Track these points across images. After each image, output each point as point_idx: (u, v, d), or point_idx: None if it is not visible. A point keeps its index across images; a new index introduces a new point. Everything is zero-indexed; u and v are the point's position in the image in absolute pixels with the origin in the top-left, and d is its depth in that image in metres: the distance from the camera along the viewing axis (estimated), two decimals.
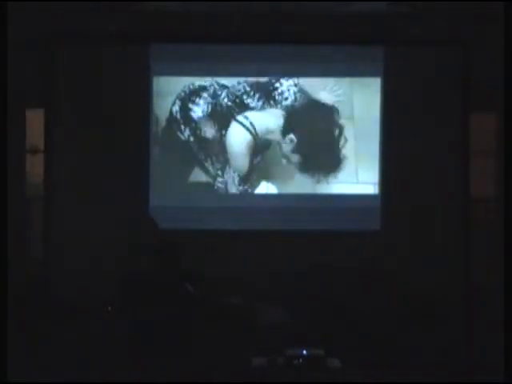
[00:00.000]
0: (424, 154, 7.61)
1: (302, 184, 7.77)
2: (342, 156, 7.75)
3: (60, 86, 7.63)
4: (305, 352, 5.33)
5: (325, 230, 7.63)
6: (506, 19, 5.00)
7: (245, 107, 7.76)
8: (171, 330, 5.40)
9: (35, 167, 7.73)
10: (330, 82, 7.74)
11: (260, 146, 7.77)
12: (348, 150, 7.75)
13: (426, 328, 6.43)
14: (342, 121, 7.74)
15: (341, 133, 7.75)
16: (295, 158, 7.75)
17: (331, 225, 7.66)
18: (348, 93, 7.74)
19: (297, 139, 7.75)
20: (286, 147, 7.75)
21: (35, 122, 7.66)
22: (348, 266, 7.42)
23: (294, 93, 7.75)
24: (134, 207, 7.57)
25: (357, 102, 7.73)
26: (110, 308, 6.29)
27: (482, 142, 7.68)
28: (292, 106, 7.75)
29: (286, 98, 7.75)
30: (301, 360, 5.30)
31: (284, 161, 7.76)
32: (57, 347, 5.82)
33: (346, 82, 7.74)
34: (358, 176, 7.76)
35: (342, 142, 7.75)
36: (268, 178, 7.78)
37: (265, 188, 7.79)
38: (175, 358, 5.31)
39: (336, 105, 7.74)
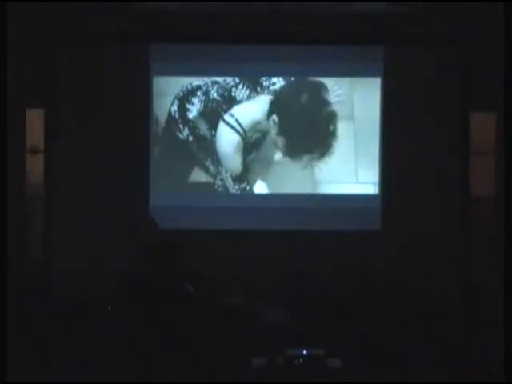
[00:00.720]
0: (424, 154, 7.61)
1: (301, 184, 7.77)
2: (341, 156, 7.74)
3: (60, 86, 7.63)
4: (305, 352, 5.33)
5: (325, 229, 7.63)
6: (506, 19, 5.01)
7: (246, 107, 7.75)
8: (171, 329, 5.41)
9: (35, 167, 7.73)
10: (330, 81, 7.73)
11: (260, 146, 7.76)
12: (348, 149, 7.74)
13: (426, 328, 6.43)
14: (342, 121, 7.74)
15: (341, 133, 7.74)
16: (295, 158, 7.74)
17: (331, 225, 7.66)
18: (348, 93, 7.74)
19: (297, 140, 7.75)
20: (287, 147, 7.75)
21: (35, 121, 7.67)
22: (348, 266, 7.42)
23: (295, 93, 7.75)
24: (134, 207, 7.57)
25: (357, 102, 7.73)
26: (109, 308, 6.29)
27: (482, 141, 7.68)
28: (292, 106, 7.75)
29: (287, 99, 7.75)
30: (301, 360, 5.30)
31: (284, 161, 7.75)
32: (57, 347, 5.82)
33: (346, 81, 7.74)
34: (358, 176, 7.75)
35: (342, 141, 7.74)
36: (268, 178, 7.77)
37: (265, 188, 7.78)
38: (175, 358, 5.31)
39: (336, 105, 7.74)
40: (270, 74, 7.73)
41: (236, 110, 7.75)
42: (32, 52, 7.52)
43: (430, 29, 7.56)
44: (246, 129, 7.75)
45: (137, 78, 7.64)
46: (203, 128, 7.76)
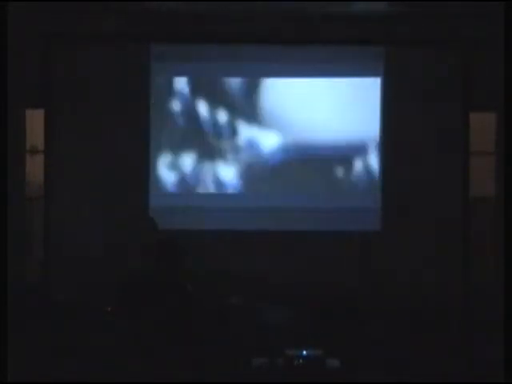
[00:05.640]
0: (424, 154, 7.61)
1: (302, 184, 7.77)
2: (342, 156, 7.74)
3: (60, 86, 7.63)
4: (305, 352, 5.33)
5: (325, 230, 7.63)
6: (506, 19, 5.00)
7: (246, 107, 7.75)
8: (171, 329, 5.40)
9: (35, 167, 7.73)
10: (330, 82, 7.73)
11: (260, 146, 7.77)
12: (348, 149, 7.74)
13: (426, 328, 6.43)
14: (343, 121, 7.73)
15: (341, 133, 7.74)
16: (295, 158, 7.75)
17: (331, 225, 7.66)
18: (348, 93, 7.73)
19: (297, 139, 7.75)
20: (287, 147, 7.75)
21: (35, 121, 7.67)
22: (348, 266, 7.43)
23: (295, 93, 7.75)
24: (134, 207, 7.57)
25: (357, 102, 7.73)
26: (109, 308, 6.28)
27: (482, 141, 7.69)
28: (292, 105, 7.75)
29: (287, 98, 7.75)
30: (300, 360, 5.30)
31: (284, 161, 7.76)
32: (57, 347, 5.82)
33: (346, 82, 7.74)
34: (359, 176, 7.75)
35: (342, 141, 7.74)
36: (268, 178, 7.77)
37: (265, 188, 7.78)
38: (175, 358, 5.31)
39: (336, 105, 7.73)
40: (270, 75, 7.73)
41: (236, 110, 7.75)
42: (32, 52, 7.52)
43: (430, 29, 7.56)
44: (246, 129, 7.76)
45: (137, 78, 7.64)
46: (204, 128, 7.76)
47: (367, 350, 5.72)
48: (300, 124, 7.76)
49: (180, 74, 7.78)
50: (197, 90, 7.77)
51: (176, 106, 7.76)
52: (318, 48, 7.72)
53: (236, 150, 7.76)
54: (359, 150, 7.74)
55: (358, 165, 7.75)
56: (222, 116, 7.75)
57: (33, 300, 7.05)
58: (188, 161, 7.77)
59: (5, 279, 4.69)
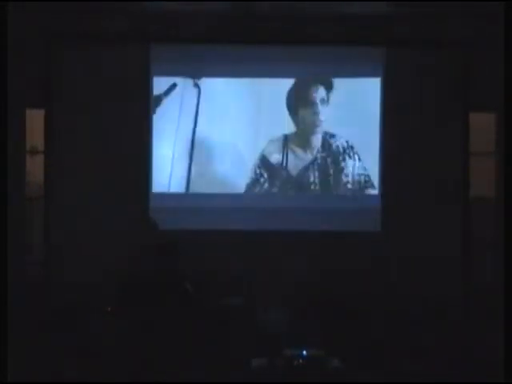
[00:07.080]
0: (424, 154, 7.62)
1: (302, 184, 7.77)
2: (342, 156, 7.74)
3: (60, 86, 7.63)
4: (304, 352, 5.33)
5: (325, 230, 7.63)
6: (506, 19, 5.01)
7: (246, 108, 7.75)
8: (171, 330, 5.41)
9: (35, 167, 7.73)
10: (330, 82, 7.74)
11: (260, 146, 7.77)
12: (348, 149, 7.74)
13: (426, 328, 6.43)
14: (343, 121, 7.73)
15: (341, 133, 7.74)
16: (295, 158, 7.75)
17: (331, 225, 7.65)
18: (348, 93, 7.73)
19: (297, 139, 7.75)
20: (286, 147, 7.75)
21: (35, 121, 7.67)
22: (348, 266, 7.42)
23: (295, 93, 7.76)
24: (134, 207, 7.57)
25: (357, 102, 7.73)
26: (109, 308, 6.29)
27: (481, 142, 7.69)
28: (293, 105, 7.75)
29: (287, 98, 7.75)
30: (300, 360, 5.30)
31: (284, 161, 7.76)
32: (57, 347, 5.82)
33: (346, 82, 7.74)
34: (359, 176, 7.75)
35: (342, 141, 7.74)
36: (268, 178, 7.77)
37: (265, 188, 7.78)
38: (175, 358, 5.31)
39: (336, 105, 7.73)
40: (270, 75, 7.72)
41: (235, 110, 7.76)
42: (32, 52, 7.52)
43: (430, 29, 7.57)
44: (247, 129, 7.75)
45: (137, 77, 7.64)
46: (204, 128, 7.76)
47: (367, 350, 5.72)
48: (300, 124, 7.76)
49: (180, 74, 7.77)
50: (197, 90, 7.76)
51: (176, 106, 7.76)
52: (318, 48, 7.71)
53: (237, 150, 7.75)
54: (359, 150, 7.74)
55: (358, 165, 7.74)
56: (223, 117, 7.75)
57: (33, 300, 7.05)
58: (188, 161, 7.77)
59: (5, 279, 4.69)
